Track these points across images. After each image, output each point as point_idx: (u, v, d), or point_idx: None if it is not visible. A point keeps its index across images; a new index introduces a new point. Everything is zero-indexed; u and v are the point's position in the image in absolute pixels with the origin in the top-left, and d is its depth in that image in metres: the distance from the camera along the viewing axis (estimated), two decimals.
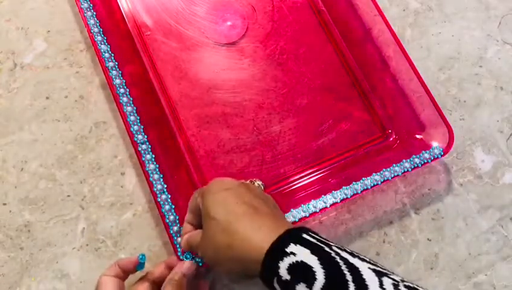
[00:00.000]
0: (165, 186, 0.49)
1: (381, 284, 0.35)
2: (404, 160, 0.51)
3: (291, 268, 0.36)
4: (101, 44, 0.53)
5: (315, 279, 0.35)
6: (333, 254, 0.37)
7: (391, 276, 0.36)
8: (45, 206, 0.51)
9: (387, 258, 0.52)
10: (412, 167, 0.51)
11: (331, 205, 0.50)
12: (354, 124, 0.55)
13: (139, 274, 0.47)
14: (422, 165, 0.51)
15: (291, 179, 0.53)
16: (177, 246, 0.47)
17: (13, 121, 0.54)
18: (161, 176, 0.49)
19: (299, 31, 0.58)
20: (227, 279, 0.50)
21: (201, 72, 0.56)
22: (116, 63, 0.53)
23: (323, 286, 0.35)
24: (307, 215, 0.49)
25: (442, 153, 0.52)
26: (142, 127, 0.51)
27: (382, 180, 0.51)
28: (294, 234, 0.38)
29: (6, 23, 0.57)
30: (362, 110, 0.56)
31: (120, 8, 0.57)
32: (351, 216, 0.53)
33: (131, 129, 0.50)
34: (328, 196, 0.50)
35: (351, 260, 0.37)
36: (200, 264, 0.47)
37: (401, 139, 0.55)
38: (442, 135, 0.52)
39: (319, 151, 0.54)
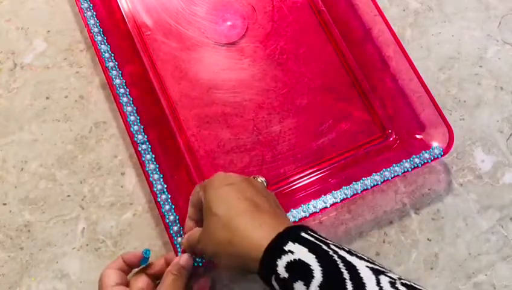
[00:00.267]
0: (165, 186, 0.49)
1: (378, 282, 0.35)
2: (404, 160, 0.51)
3: (289, 266, 0.36)
4: (101, 44, 0.53)
5: (313, 277, 0.35)
6: (331, 253, 0.37)
7: (388, 274, 0.36)
8: (45, 206, 0.51)
9: (387, 258, 0.52)
10: (412, 167, 0.51)
11: (331, 205, 0.50)
12: (354, 124, 0.55)
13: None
14: (422, 165, 0.51)
15: (291, 179, 0.53)
16: (177, 246, 0.47)
17: (13, 121, 0.54)
18: (161, 176, 0.49)
19: (299, 31, 0.58)
20: (226, 276, 0.50)
21: (201, 72, 0.56)
22: (116, 63, 0.53)
23: (320, 284, 0.35)
24: (307, 215, 0.49)
25: (442, 153, 0.52)
26: (142, 127, 0.51)
27: (382, 180, 0.51)
28: (293, 233, 0.38)
29: (6, 23, 0.57)
30: (362, 110, 0.56)
31: (120, 8, 0.57)
32: (351, 216, 0.53)
33: (131, 129, 0.50)
34: (328, 196, 0.50)
35: (349, 258, 0.37)
36: (200, 264, 0.47)
37: (401, 139, 0.55)
38: (442, 135, 0.52)
39: (319, 151, 0.54)
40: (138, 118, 0.51)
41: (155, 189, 0.49)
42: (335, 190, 0.50)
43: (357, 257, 0.37)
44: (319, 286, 0.35)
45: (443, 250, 0.52)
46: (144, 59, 0.55)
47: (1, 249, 0.50)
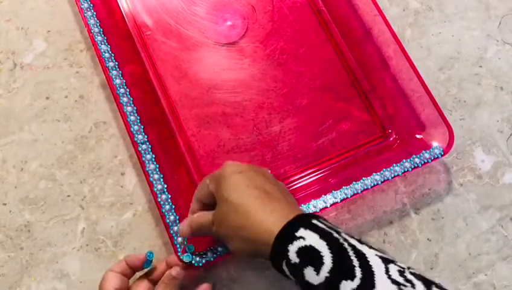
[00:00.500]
0: (165, 186, 0.49)
1: (387, 271, 0.35)
2: (404, 160, 0.51)
3: (300, 252, 0.37)
4: (101, 44, 0.53)
5: (322, 263, 0.36)
6: (341, 240, 0.37)
7: (398, 263, 0.37)
8: (45, 206, 0.51)
9: None
10: (412, 166, 0.51)
11: (331, 205, 0.50)
12: (354, 124, 0.55)
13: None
14: (422, 165, 0.51)
15: (292, 179, 0.53)
16: (177, 246, 0.47)
17: (13, 121, 0.54)
18: (161, 176, 0.49)
19: (299, 31, 0.58)
20: (226, 276, 0.50)
21: (201, 72, 0.56)
22: (116, 63, 0.53)
23: (330, 270, 0.36)
24: None
25: (442, 153, 0.52)
26: (142, 127, 0.51)
27: (382, 180, 0.51)
28: (305, 219, 0.39)
29: (6, 23, 0.57)
30: (362, 110, 0.56)
31: (120, 8, 0.57)
32: (351, 216, 0.53)
33: (132, 129, 0.50)
34: (328, 196, 0.50)
35: (359, 246, 0.37)
36: (200, 264, 0.47)
37: (401, 139, 0.55)
38: (442, 135, 0.52)
39: (319, 151, 0.54)
40: (138, 118, 0.51)
41: (155, 189, 0.49)
42: (335, 190, 0.50)
43: (367, 246, 0.38)
44: (328, 272, 0.36)
45: (443, 250, 0.52)
46: (144, 59, 0.55)
47: (1, 249, 0.50)
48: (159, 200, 0.49)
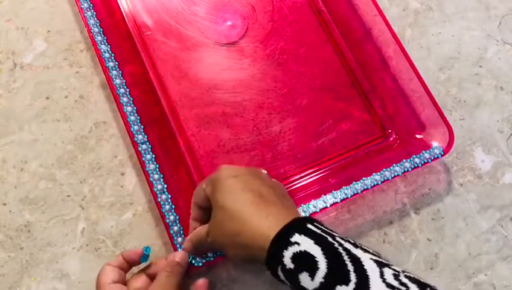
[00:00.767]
0: (165, 186, 0.49)
1: (382, 274, 0.35)
2: (404, 160, 0.51)
3: (295, 257, 0.37)
4: (101, 44, 0.53)
5: (317, 268, 0.36)
6: (336, 245, 0.37)
7: (392, 267, 0.37)
8: (45, 206, 0.51)
9: (387, 258, 0.52)
10: (412, 166, 0.51)
11: (331, 205, 0.50)
12: (354, 124, 0.55)
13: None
14: (422, 165, 0.51)
15: (292, 179, 0.53)
16: (178, 246, 0.47)
17: (13, 121, 0.54)
18: (161, 176, 0.49)
19: (299, 31, 0.58)
20: (226, 276, 0.50)
21: (201, 72, 0.56)
22: (116, 63, 0.53)
23: (325, 275, 0.36)
24: (307, 215, 0.49)
25: (442, 153, 0.52)
26: (142, 127, 0.51)
27: (382, 180, 0.51)
28: (299, 224, 0.39)
29: (6, 23, 0.57)
30: (362, 110, 0.56)
31: (120, 8, 0.57)
32: (351, 216, 0.53)
33: (132, 129, 0.50)
34: (328, 196, 0.50)
35: (353, 250, 0.37)
36: (200, 264, 0.47)
37: (401, 139, 0.55)
38: (442, 135, 0.52)
39: (319, 151, 0.54)
40: (138, 118, 0.51)
41: (155, 189, 0.49)
42: (335, 190, 0.50)
43: (362, 249, 0.38)
44: (323, 277, 0.36)
45: (443, 250, 0.52)
46: (144, 59, 0.55)
47: (1, 249, 0.50)
48: (159, 200, 0.49)
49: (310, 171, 0.53)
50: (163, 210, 0.48)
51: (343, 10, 0.58)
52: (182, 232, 0.48)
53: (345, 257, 0.36)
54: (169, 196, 0.49)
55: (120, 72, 0.52)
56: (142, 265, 0.47)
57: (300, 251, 0.37)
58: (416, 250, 0.52)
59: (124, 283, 0.45)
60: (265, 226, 0.39)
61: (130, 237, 0.51)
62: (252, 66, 0.56)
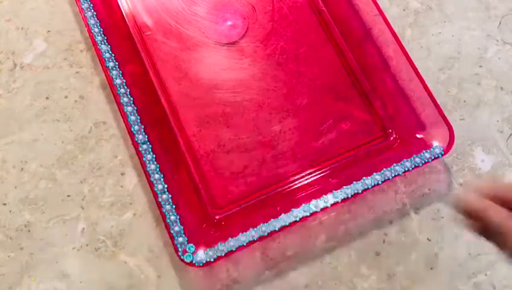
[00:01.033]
0: (166, 186, 0.49)
1: None
2: (404, 159, 0.52)
3: None
4: (101, 44, 0.53)
5: None
6: None
7: None
8: (45, 206, 0.51)
9: (387, 258, 0.52)
10: (413, 166, 0.51)
11: (332, 205, 0.50)
12: (354, 124, 0.55)
13: None
14: (423, 164, 0.51)
15: (292, 179, 0.53)
16: (178, 246, 0.47)
17: (13, 121, 0.54)
18: (162, 176, 0.49)
19: (299, 31, 0.58)
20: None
21: (201, 72, 0.56)
22: (117, 63, 0.53)
23: None
24: (308, 215, 0.49)
25: (442, 153, 0.52)
26: (142, 127, 0.51)
27: (383, 179, 0.51)
28: None
29: (6, 23, 0.57)
30: (362, 110, 0.56)
31: (120, 8, 0.57)
32: (351, 216, 0.53)
33: (132, 129, 0.50)
34: (329, 196, 0.50)
35: None
36: (201, 264, 0.47)
37: (401, 139, 0.55)
38: (443, 135, 0.52)
39: (319, 151, 0.54)
40: (139, 118, 0.51)
41: (156, 189, 0.49)
42: (336, 190, 0.50)
43: None
44: None
45: (443, 250, 0.52)
46: (144, 59, 0.55)
47: (1, 249, 0.50)
48: (160, 200, 0.49)
49: (310, 171, 0.53)
50: (164, 210, 0.48)
51: (343, 10, 0.58)
52: (182, 232, 0.48)
53: None
54: (170, 196, 0.49)
55: (120, 72, 0.52)
56: None
57: None
58: (416, 250, 0.52)
59: None
60: None
61: (130, 237, 0.51)
62: (252, 66, 0.56)
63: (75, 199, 0.52)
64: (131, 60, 0.54)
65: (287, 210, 0.49)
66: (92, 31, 0.53)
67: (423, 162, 0.51)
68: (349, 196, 0.50)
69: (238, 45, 0.57)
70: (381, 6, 0.56)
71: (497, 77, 0.59)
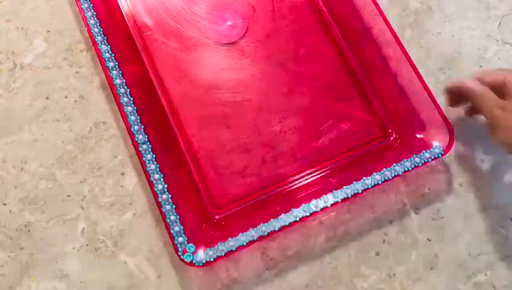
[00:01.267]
0: (166, 186, 0.49)
1: None
2: (404, 159, 0.52)
3: None
4: (101, 44, 0.53)
5: None
6: None
7: None
8: (45, 206, 0.51)
9: (387, 258, 0.52)
10: (413, 166, 0.51)
11: (332, 205, 0.50)
12: (354, 124, 0.55)
13: None
14: (423, 164, 0.51)
15: (292, 179, 0.53)
16: (178, 246, 0.47)
17: (13, 121, 0.54)
18: (162, 176, 0.49)
19: (299, 31, 0.58)
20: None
21: (201, 72, 0.56)
22: (117, 63, 0.53)
23: None
24: (308, 214, 0.49)
25: (442, 152, 0.52)
26: (142, 127, 0.51)
27: (383, 179, 0.51)
28: None
29: (6, 23, 0.57)
30: (362, 110, 0.56)
31: (120, 8, 0.57)
32: (351, 216, 0.53)
33: (132, 129, 0.50)
34: (329, 196, 0.50)
35: None
36: (201, 264, 0.47)
37: (401, 139, 0.55)
38: (443, 135, 0.52)
39: (319, 151, 0.54)
40: (138, 118, 0.51)
41: (156, 189, 0.49)
42: (336, 190, 0.50)
43: None
44: None
45: (443, 250, 0.52)
46: (144, 59, 0.55)
47: (1, 249, 0.50)
48: (160, 200, 0.49)
49: (310, 171, 0.53)
50: (164, 210, 0.48)
51: (343, 10, 0.58)
52: (182, 232, 0.48)
53: None
54: (170, 196, 0.49)
55: (120, 72, 0.52)
56: None
57: None
58: (416, 250, 0.52)
59: None
60: None
61: (130, 237, 0.51)
62: (252, 66, 0.56)
63: (75, 199, 0.52)
64: (131, 60, 0.54)
65: (287, 210, 0.49)
66: (92, 31, 0.53)
67: (423, 162, 0.51)
68: (349, 196, 0.50)
69: (238, 45, 0.57)
70: (381, 6, 0.56)
71: None
